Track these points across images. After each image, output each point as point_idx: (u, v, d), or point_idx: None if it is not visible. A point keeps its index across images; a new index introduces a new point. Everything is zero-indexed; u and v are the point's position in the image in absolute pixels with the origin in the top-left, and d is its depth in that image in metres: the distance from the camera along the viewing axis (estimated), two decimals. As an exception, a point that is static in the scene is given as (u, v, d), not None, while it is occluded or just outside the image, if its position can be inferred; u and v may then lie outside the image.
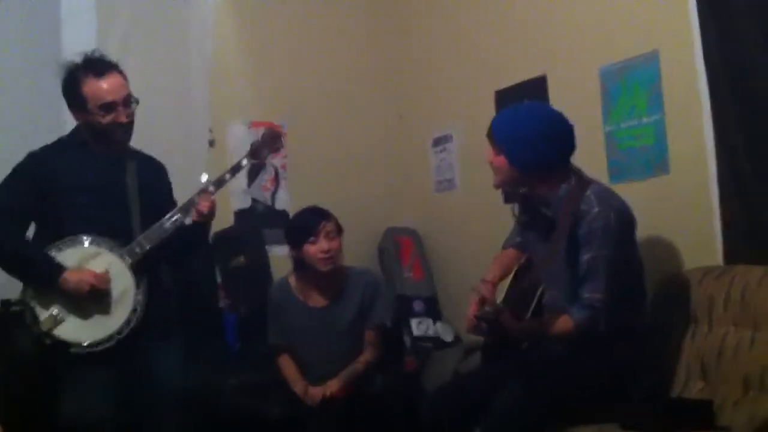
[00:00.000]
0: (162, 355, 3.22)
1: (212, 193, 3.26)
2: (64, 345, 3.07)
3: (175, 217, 3.21)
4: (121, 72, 3.22)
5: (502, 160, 3.00)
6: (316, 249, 3.71)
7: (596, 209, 2.84)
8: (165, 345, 3.24)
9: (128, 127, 3.23)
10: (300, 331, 3.79)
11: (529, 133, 2.94)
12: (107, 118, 3.16)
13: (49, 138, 3.32)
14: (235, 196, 4.52)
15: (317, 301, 3.82)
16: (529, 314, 2.97)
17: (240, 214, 4.55)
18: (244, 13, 4.64)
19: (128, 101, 3.20)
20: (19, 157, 3.22)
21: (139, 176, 3.27)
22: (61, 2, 4.01)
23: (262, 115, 4.55)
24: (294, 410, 3.61)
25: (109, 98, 3.15)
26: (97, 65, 3.18)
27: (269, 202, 4.63)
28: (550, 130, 2.96)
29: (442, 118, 4.67)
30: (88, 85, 3.15)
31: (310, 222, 3.75)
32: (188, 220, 3.26)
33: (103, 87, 3.15)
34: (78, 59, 3.21)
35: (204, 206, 3.23)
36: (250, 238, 4.46)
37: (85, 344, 3.08)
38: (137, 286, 3.16)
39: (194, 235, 3.33)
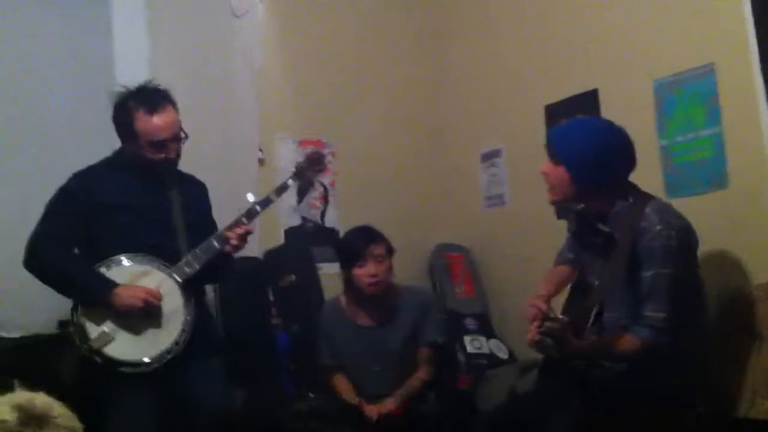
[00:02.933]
0: (203, 375, 3.20)
1: (257, 214, 3.25)
2: (114, 363, 3.04)
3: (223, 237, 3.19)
4: (173, 104, 3.19)
5: (560, 172, 2.95)
6: (363, 273, 3.66)
7: (658, 227, 2.78)
8: (207, 365, 3.21)
9: (175, 162, 3.23)
10: (350, 351, 3.75)
11: (593, 149, 2.89)
12: (157, 155, 3.16)
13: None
14: (285, 214, 4.52)
15: (368, 320, 3.77)
16: (587, 333, 2.92)
17: (290, 232, 4.55)
18: (290, 33, 4.67)
19: (178, 137, 3.19)
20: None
21: (182, 197, 3.26)
22: (113, 24, 4.01)
23: (310, 133, 4.55)
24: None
25: (161, 136, 3.14)
26: (150, 98, 3.16)
27: (319, 220, 4.63)
28: (615, 146, 2.91)
29: (491, 133, 4.63)
30: (140, 121, 3.13)
31: (358, 245, 3.69)
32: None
33: (156, 124, 3.13)
34: (130, 87, 3.20)
35: (239, 233, 3.18)
36: (300, 256, 4.44)
37: (136, 363, 3.05)
38: (186, 305, 3.14)
39: (224, 258, 3.28)
